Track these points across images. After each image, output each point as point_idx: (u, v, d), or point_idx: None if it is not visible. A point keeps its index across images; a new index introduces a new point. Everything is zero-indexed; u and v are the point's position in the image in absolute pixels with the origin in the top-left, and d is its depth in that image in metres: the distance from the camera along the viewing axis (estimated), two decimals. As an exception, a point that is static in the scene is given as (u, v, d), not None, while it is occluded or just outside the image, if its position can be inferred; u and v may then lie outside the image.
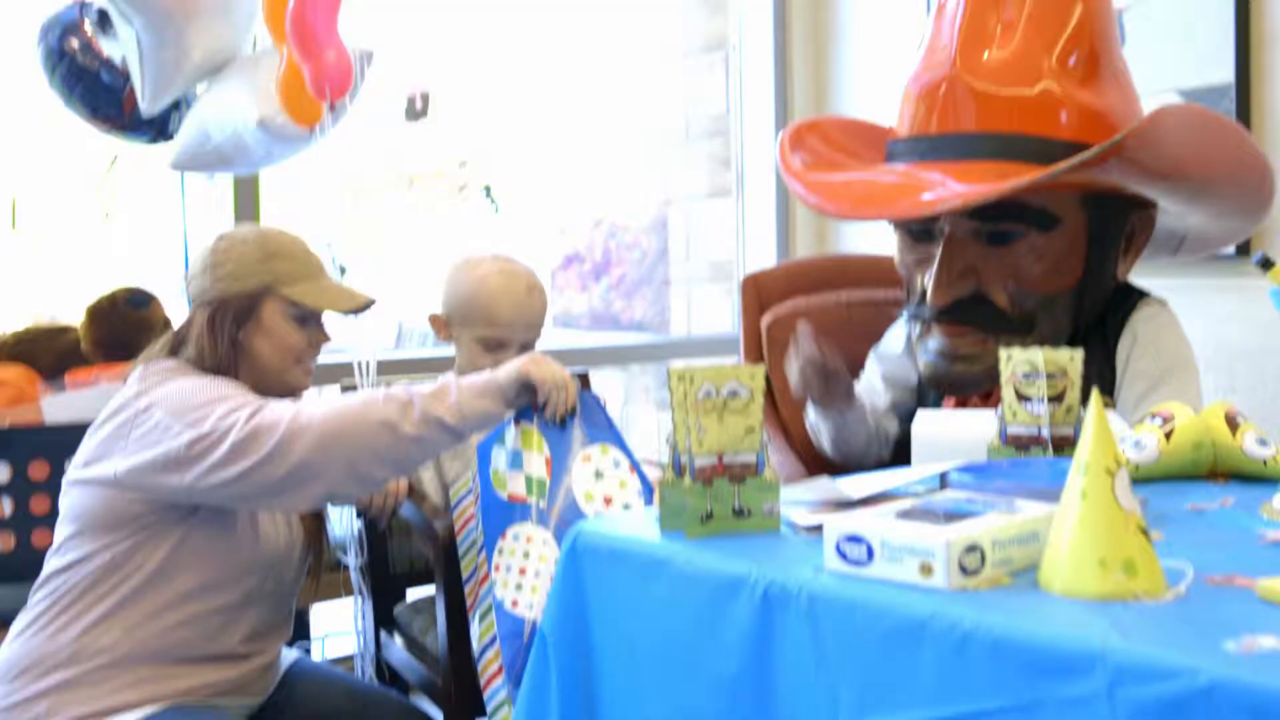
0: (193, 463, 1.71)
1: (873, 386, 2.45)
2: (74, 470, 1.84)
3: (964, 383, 2.18)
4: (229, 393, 1.78)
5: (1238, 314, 2.93)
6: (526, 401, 1.86)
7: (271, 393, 1.95)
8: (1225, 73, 2.86)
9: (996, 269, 2.14)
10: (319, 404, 1.75)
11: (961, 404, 2.29)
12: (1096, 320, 2.21)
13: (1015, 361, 1.69)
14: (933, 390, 2.29)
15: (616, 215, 5.01)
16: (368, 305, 2.00)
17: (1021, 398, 1.67)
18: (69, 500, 1.84)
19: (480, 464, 1.92)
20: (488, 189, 3.29)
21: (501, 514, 1.90)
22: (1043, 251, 2.12)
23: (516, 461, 1.90)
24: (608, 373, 4.31)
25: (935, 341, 2.22)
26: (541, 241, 4.89)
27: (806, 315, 2.67)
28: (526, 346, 2.21)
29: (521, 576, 1.85)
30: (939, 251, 2.16)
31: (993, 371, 2.07)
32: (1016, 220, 2.10)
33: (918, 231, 2.24)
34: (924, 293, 2.23)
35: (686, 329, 4.33)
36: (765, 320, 2.69)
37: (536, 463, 1.90)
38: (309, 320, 1.95)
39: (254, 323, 1.90)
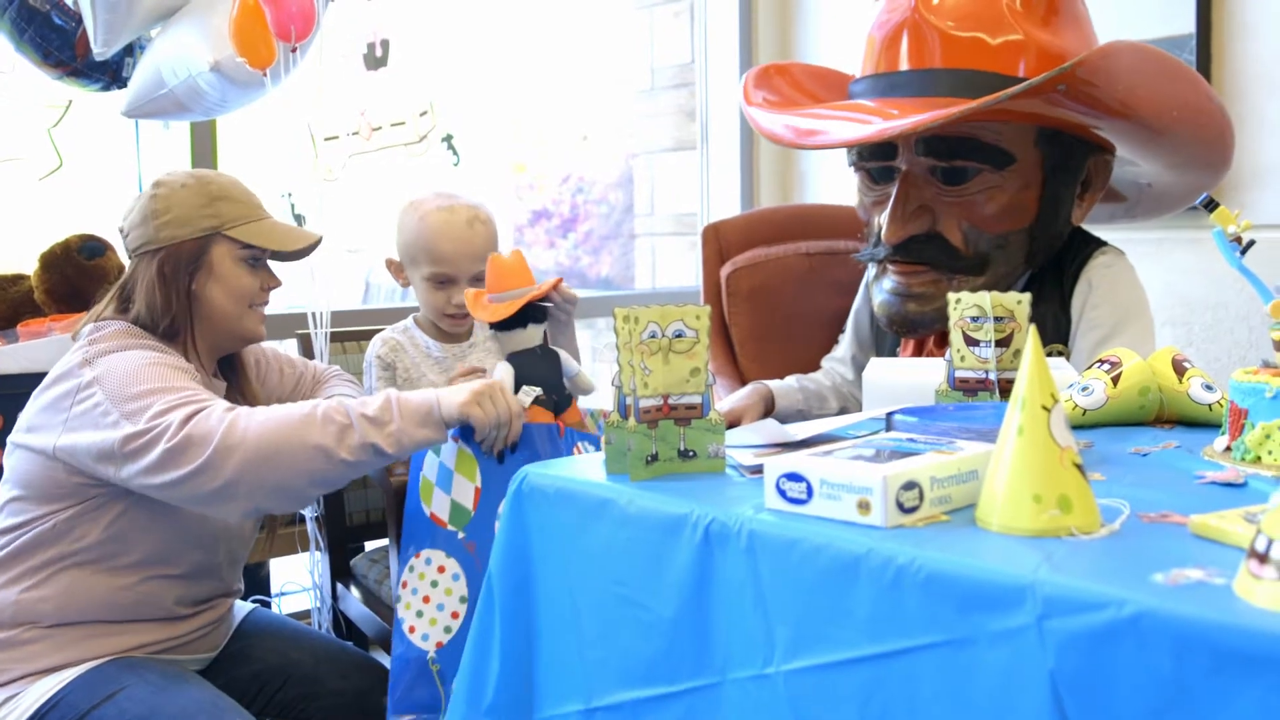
0: (124, 460, 1.68)
1: (846, 357, 2.47)
2: (17, 433, 1.82)
3: (917, 322, 2.18)
4: (171, 381, 1.72)
5: (1195, 266, 2.95)
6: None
7: (227, 344, 1.94)
8: (1186, 23, 2.87)
9: (951, 207, 2.15)
10: (257, 415, 1.67)
11: (919, 350, 2.30)
12: (1053, 267, 2.22)
13: (963, 305, 1.69)
14: (889, 330, 2.30)
15: (584, 170, 4.99)
16: (316, 244, 1.98)
17: (969, 341, 1.67)
18: (12, 462, 1.82)
19: (412, 467, 1.86)
20: (448, 138, 3.25)
21: (421, 529, 1.84)
22: (997, 190, 2.13)
23: (446, 481, 1.84)
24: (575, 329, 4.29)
25: (890, 281, 2.23)
26: (508, 196, 4.87)
27: (766, 265, 2.67)
28: (478, 280, 2.18)
29: (425, 605, 1.82)
30: (897, 188, 2.17)
31: (946, 312, 2.10)
32: (970, 157, 2.11)
33: (876, 172, 2.24)
34: (878, 235, 2.24)
35: (651, 283, 4.32)
36: (725, 270, 2.69)
37: (466, 491, 1.84)
38: (259, 263, 1.93)
39: (204, 270, 1.87)
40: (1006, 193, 2.13)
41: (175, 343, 1.88)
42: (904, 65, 2.15)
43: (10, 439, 1.83)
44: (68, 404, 1.74)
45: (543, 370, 2.00)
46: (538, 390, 1.97)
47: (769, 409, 2.31)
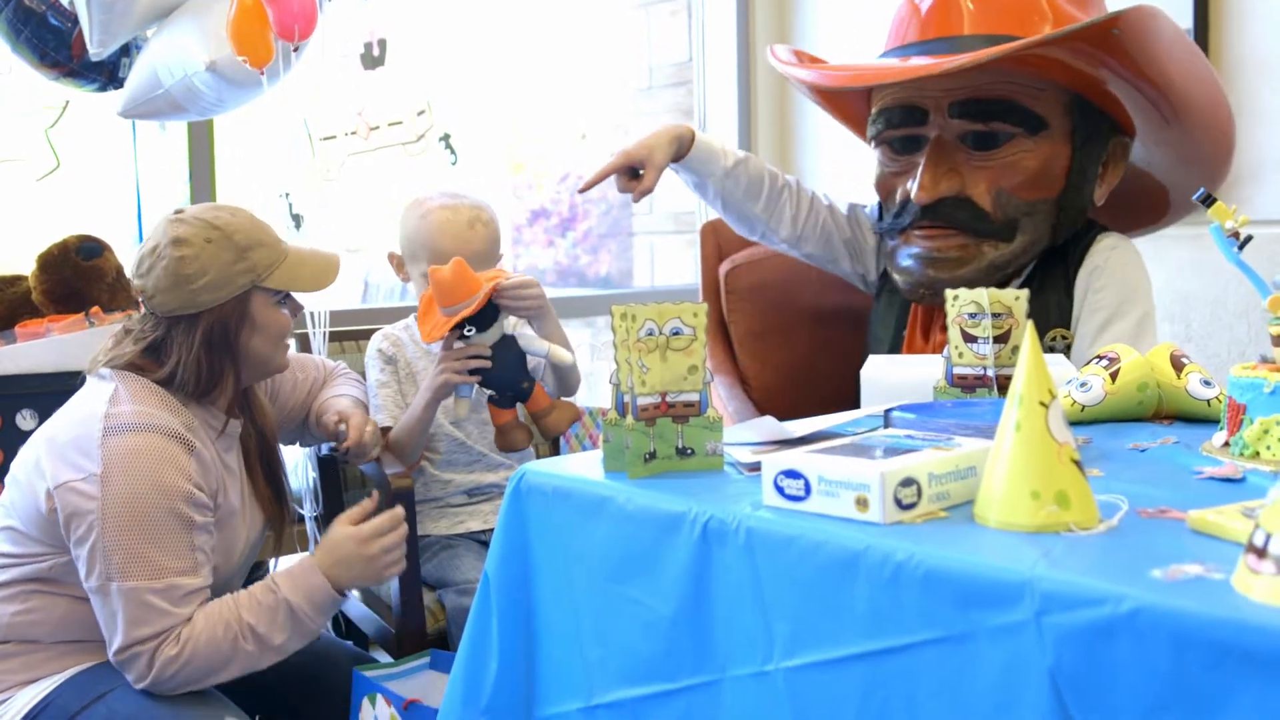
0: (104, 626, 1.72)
1: (835, 208, 2.46)
2: (17, 464, 1.80)
3: (942, 288, 2.18)
4: (166, 555, 1.70)
5: (1193, 262, 2.95)
6: None
7: (257, 379, 1.95)
8: (1184, 15, 2.88)
9: (981, 172, 2.18)
10: (195, 642, 1.71)
11: (926, 325, 2.29)
12: (1058, 250, 2.23)
13: (961, 302, 1.69)
14: (911, 298, 2.30)
15: (582, 169, 4.98)
16: (338, 269, 1.95)
17: (967, 338, 1.67)
18: (16, 488, 1.79)
19: (353, 709, 1.91)
20: (446, 138, 3.25)
21: None
22: (1028, 155, 2.16)
23: None
24: (572, 328, 4.29)
25: (915, 246, 2.24)
26: (506, 194, 4.86)
27: (765, 262, 2.67)
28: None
29: None
30: (924, 156, 2.20)
31: (973, 279, 2.11)
32: (1006, 120, 2.14)
33: (900, 143, 2.27)
34: (903, 202, 2.25)
35: (650, 281, 4.32)
36: (724, 268, 2.69)
37: None
38: (288, 298, 1.92)
39: (247, 325, 1.84)
40: (1037, 159, 2.16)
41: (212, 400, 1.86)
42: (932, 33, 2.20)
43: (15, 464, 1.82)
44: (68, 473, 1.71)
45: (498, 368, 2.09)
46: (489, 392, 2.12)
47: (683, 150, 2.26)
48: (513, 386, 2.11)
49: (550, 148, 4.91)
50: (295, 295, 1.93)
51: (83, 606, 1.75)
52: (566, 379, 2.28)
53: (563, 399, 2.24)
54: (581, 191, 2.24)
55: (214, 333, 1.81)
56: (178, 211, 1.85)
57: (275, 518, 2.01)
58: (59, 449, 1.73)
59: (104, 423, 1.71)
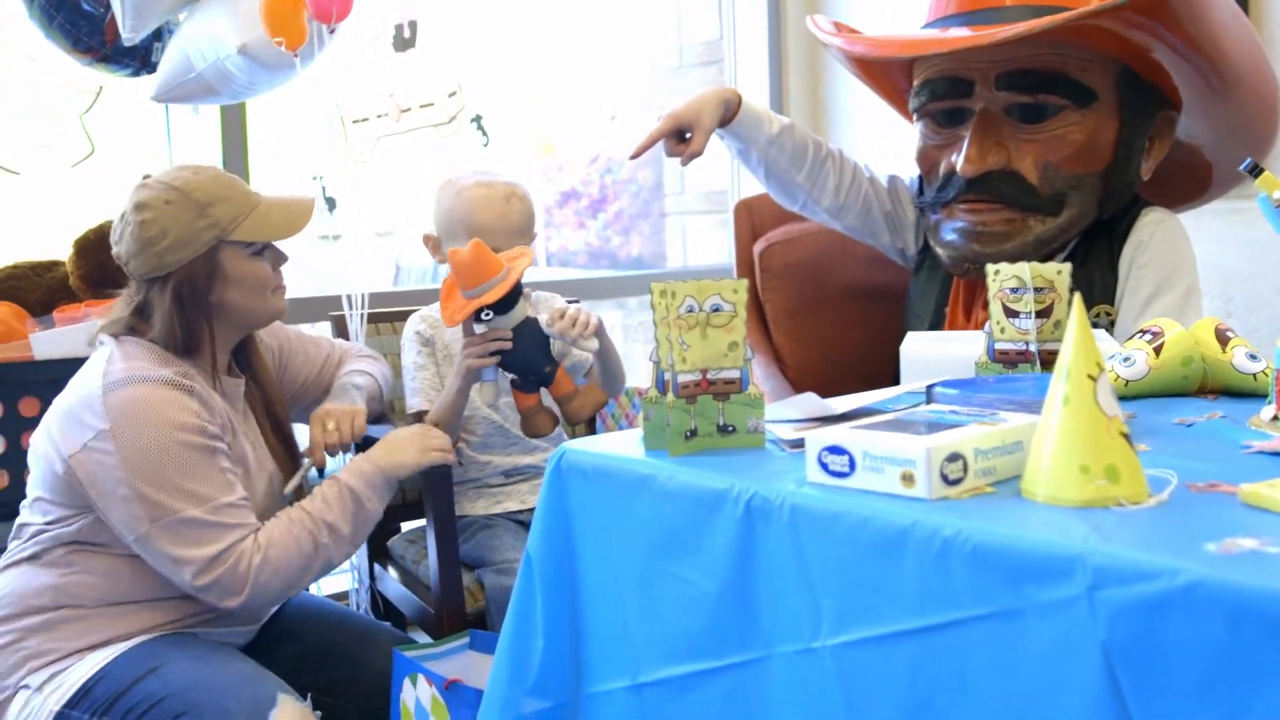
0: (146, 553, 1.76)
1: (876, 180, 2.45)
2: (38, 435, 1.84)
3: (987, 263, 2.17)
4: (195, 479, 1.75)
5: (1233, 238, 2.91)
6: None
7: (253, 328, 1.98)
8: None
9: (1028, 145, 2.16)
10: (274, 552, 1.79)
11: (969, 301, 2.27)
12: (1103, 226, 2.22)
13: (1002, 276, 1.68)
14: (954, 272, 2.28)
15: (612, 150, 4.97)
16: (310, 212, 1.97)
17: (1009, 313, 1.66)
18: (37, 461, 1.83)
19: (394, 689, 1.92)
20: (478, 119, 3.25)
21: None
22: (1076, 128, 2.15)
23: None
24: (605, 310, 4.29)
25: (960, 220, 2.23)
26: (536, 177, 4.86)
27: (800, 240, 2.66)
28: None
29: None
30: (969, 129, 2.18)
31: (1018, 254, 2.11)
32: (1055, 92, 2.12)
33: (945, 116, 2.25)
34: (948, 176, 2.24)
35: (683, 262, 4.31)
36: (758, 246, 2.68)
37: None
38: (266, 248, 1.93)
39: (219, 280, 1.87)
40: (1085, 132, 2.15)
41: (198, 355, 1.89)
42: (977, 3, 2.17)
43: (33, 439, 1.85)
44: (80, 437, 1.75)
45: (518, 352, 2.07)
46: (510, 376, 2.12)
47: (730, 114, 2.25)
48: (534, 370, 2.10)
49: (580, 129, 4.91)
50: (279, 245, 1.95)
51: (123, 564, 1.80)
52: (612, 373, 2.30)
53: (587, 383, 2.24)
54: (632, 158, 2.24)
55: (183, 290, 1.85)
56: (145, 177, 1.89)
57: (288, 470, 2.03)
58: (65, 416, 1.79)
59: (103, 380, 1.77)
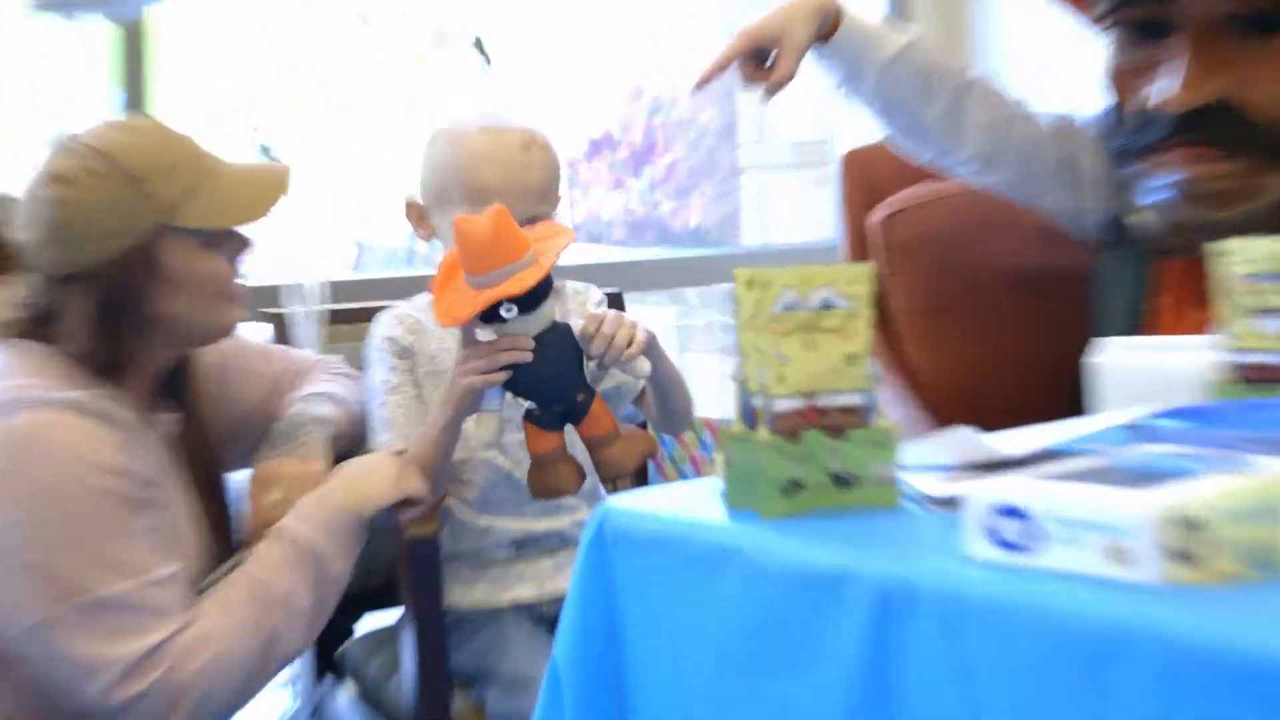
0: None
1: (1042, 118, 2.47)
2: None
3: (1211, 233, 2.13)
4: (124, 556, 1.75)
5: None
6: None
7: (196, 345, 2.01)
8: None
9: (1257, 70, 2.19)
10: (221, 638, 1.79)
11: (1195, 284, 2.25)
12: None
13: (1239, 257, 1.66)
14: (1166, 243, 2.30)
15: (663, 82, 4.98)
16: (285, 184, 1.97)
17: (1257, 311, 1.63)
18: None
19: None
20: (479, 41, 3.25)
21: None
22: None
23: None
24: (653, 304, 4.27)
25: (1170, 174, 2.24)
26: (559, 119, 4.87)
27: (936, 206, 2.65)
28: (529, 222, 2.14)
29: None
30: (1181, 45, 2.20)
31: (1254, 222, 2.09)
32: None
33: (1141, 27, 2.28)
34: (1150, 111, 2.25)
35: (763, 237, 4.31)
36: (877, 215, 2.69)
37: None
38: (222, 237, 1.91)
39: (156, 282, 1.86)
40: None
41: (121, 377, 1.89)
42: None
43: None
44: None
45: (541, 369, 1.98)
46: (526, 405, 2.03)
47: (828, 28, 2.27)
48: (562, 397, 2.02)
49: (617, 52, 4.91)
50: (239, 232, 1.95)
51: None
52: (671, 404, 2.26)
53: (634, 427, 2.21)
54: (697, 87, 2.23)
55: (109, 297, 1.84)
56: (71, 137, 1.88)
57: (214, 549, 2.01)
58: None
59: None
